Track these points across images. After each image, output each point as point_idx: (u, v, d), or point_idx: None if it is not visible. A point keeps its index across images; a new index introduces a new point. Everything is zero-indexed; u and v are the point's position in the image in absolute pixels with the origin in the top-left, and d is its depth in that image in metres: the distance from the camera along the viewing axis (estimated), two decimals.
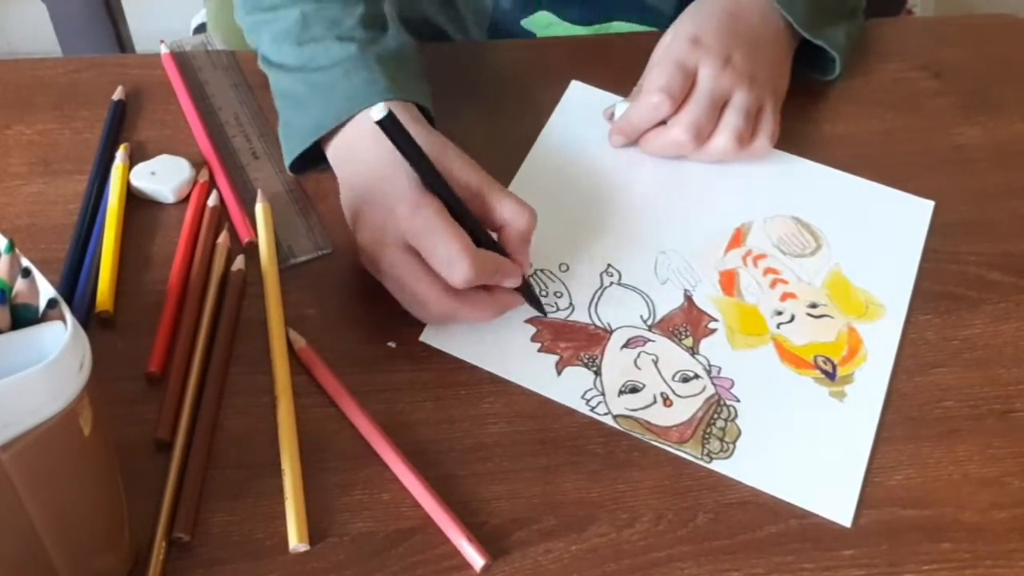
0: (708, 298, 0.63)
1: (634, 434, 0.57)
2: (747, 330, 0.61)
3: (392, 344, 0.60)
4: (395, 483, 0.54)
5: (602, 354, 0.60)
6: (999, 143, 0.73)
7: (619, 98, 0.71)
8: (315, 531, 0.52)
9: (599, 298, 0.62)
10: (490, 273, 0.57)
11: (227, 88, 0.71)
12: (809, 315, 0.62)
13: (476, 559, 0.51)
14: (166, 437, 0.54)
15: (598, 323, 0.61)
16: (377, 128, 0.55)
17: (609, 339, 0.61)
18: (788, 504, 0.55)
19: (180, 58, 0.73)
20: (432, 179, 0.56)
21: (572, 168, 0.68)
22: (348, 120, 0.62)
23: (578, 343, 0.60)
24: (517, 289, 0.59)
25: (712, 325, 0.61)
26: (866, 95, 0.75)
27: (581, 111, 0.72)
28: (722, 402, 0.58)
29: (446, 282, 0.56)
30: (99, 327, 0.59)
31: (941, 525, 0.54)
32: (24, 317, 0.41)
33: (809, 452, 0.57)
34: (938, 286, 0.64)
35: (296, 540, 0.51)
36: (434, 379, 0.58)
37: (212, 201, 0.64)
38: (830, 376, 0.59)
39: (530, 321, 0.61)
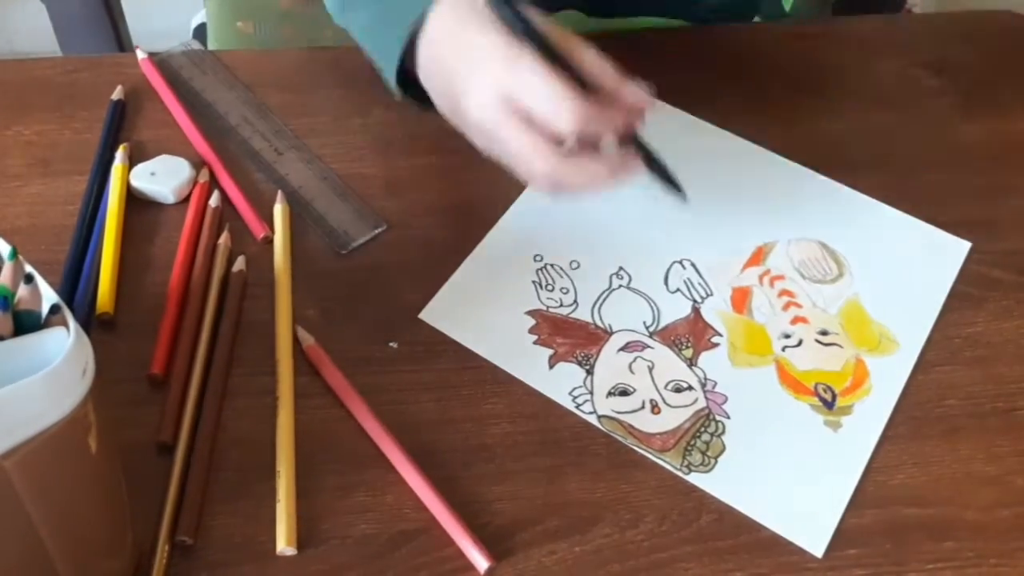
0: (716, 312, 0.62)
1: (616, 436, 0.56)
2: (750, 349, 0.60)
3: (394, 345, 0.59)
4: (398, 485, 0.54)
5: (598, 354, 0.60)
6: (1001, 141, 0.72)
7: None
8: (317, 533, 0.52)
9: (605, 299, 0.62)
10: (604, 118, 0.54)
11: (224, 91, 0.70)
12: (818, 342, 0.61)
13: (480, 561, 0.51)
14: (168, 440, 0.54)
15: (599, 323, 0.61)
16: (451, 7, 0.55)
17: (608, 340, 0.60)
18: None
19: (167, 68, 0.72)
20: (530, 31, 0.53)
21: None
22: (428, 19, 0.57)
23: (575, 340, 0.60)
24: (651, 168, 0.57)
25: (715, 339, 0.61)
26: (867, 93, 0.75)
27: None
28: (711, 416, 0.58)
29: (553, 137, 0.53)
30: (100, 329, 0.59)
31: (944, 524, 0.54)
32: (27, 323, 0.41)
33: (793, 478, 0.55)
34: None
35: (284, 543, 0.51)
36: (436, 380, 0.58)
37: (214, 202, 0.64)
38: (828, 405, 0.58)
39: (531, 313, 0.61)
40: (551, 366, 0.59)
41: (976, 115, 0.74)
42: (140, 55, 0.72)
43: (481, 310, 0.60)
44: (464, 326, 0.60)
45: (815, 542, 0.53)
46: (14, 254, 0.40)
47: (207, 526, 0.52)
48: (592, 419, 0.57)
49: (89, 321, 0.59)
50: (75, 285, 0.60)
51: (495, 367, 0.59)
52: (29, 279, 0.40)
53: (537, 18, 0.54)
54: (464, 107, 0.55)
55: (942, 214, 0.67)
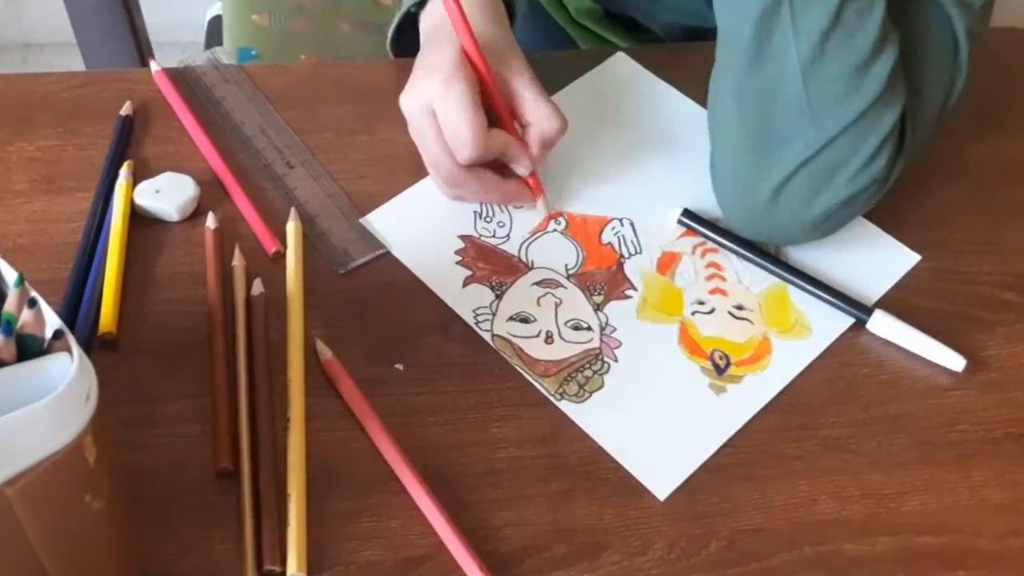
0: (639, 270, 0.64)
1: (504, 355, 0.59)
2: (661, 307, 0.62)
3: (400, 367, 0.59)
4: (404, 510, 0.53)
5: (512, 283, 0.62)
6: (1010, 160, 0.72)
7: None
8: (322, 560, 0.51)
9: (537, 239, 0.65)
10: (499, 149, 0.62)
11: (244, 102, 0.70)
12: (730, 314, 0.62)
13: None
14: (229, 465, 0.54)
15: (523, 258, 0.64)
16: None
17: (525, 273, 0.63)
18: (801, 531, 0.54)
19: (190, 75, 0.72)
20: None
21: (577, 120, 0.67)
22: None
23: (495, 268, 0.63)
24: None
25: (629, 292, 0.63)
26: None
27: (614, 79, 0.73)
28: (600, 356, 0.59)
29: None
30: (102, 349, 0.58)
31: (958, 552, 0.54)
32: (30, 348, 0.40)
33: (660, 427, 0.57)
34: (951, 307, 0.63)
35: (295, 568, 0.50)
36: (443, 403, 0.57)
37: (212, 223, 0.63)
38: (719, 370, 0.60)
39: (462, 237, 0.64)
40: (464, 285, 0.62)
41: (984, 133, 0.73)
42: (154, 67, 0.72)
43: (420, 226, 0.64)
44: (399, 238, 0.64)
45: (661, 487, 0.55)
46: (20, 281, 0.39)
47: (216, 550, 0.51)
48: (487, 336, 0.60)
49: (92, 341, 0.58)
50: (78, 304, 0.59)
51: (502, 390, 0.58)
52: (32, 303, 0.39)
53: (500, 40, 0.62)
54: (401, 98, 0.63)
55: (950, 235, 0.67)
